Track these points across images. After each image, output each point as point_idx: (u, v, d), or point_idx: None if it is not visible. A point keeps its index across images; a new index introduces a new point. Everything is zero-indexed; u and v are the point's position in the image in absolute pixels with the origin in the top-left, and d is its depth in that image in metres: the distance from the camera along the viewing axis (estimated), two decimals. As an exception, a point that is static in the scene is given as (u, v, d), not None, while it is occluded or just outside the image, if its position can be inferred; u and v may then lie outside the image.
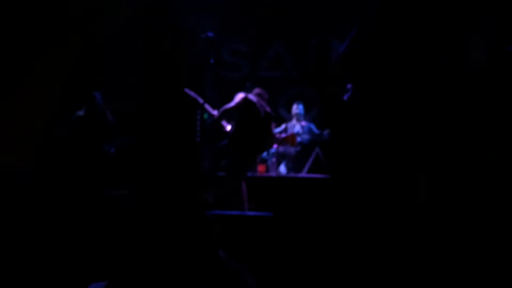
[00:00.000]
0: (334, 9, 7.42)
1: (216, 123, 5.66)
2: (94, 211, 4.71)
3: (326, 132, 6.73)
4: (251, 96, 5.16)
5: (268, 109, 5.24)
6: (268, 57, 7.88)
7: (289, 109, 7.17)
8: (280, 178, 5.78)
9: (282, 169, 6.39)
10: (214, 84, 6.95)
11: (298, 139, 6.57)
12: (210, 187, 5.71)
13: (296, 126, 6.78)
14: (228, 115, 5.24)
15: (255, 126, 5.16)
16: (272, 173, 6.02)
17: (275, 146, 6.16)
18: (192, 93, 5.34)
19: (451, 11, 2.68)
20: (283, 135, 6.30)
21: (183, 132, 6.53)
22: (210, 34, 4.94)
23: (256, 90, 5.36)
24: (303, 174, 6.06)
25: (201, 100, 5.24)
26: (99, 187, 5.22)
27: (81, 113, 5.63)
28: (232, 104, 5.04)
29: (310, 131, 6.83)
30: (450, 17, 2.64)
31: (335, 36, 7.63)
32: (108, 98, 5.92)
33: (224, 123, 5.51)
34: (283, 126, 6.78)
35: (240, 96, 5.16)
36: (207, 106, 5.35)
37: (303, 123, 6.89)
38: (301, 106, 6.87)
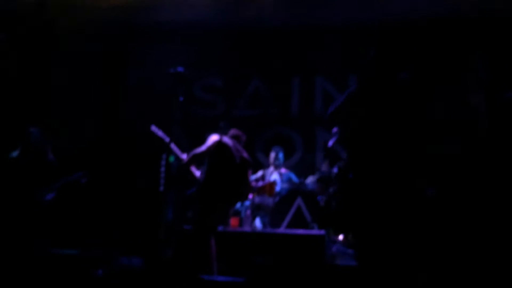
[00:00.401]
0: (317, 44, 7.30)
1: (184, 169, 5.20)
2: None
3: (308, 180, 6.31)
4: (226, 139, 4.73)
5: (245, 154, 4.80)
6: (245, 94, 7.69)
7: (267, 153, 6.94)
8: (256, 234, 5.45)
9: (258, 223, 6.01)
10: (183, 123, 6.57)
11: (277, 188, 6.23)
12: (171, 242, 5.37)
13: (274, 174, 6.50)
14: (198, 160, 4.79)
15: (229, 173, 4.74)
16: (247, 228, 5.68)
17: (250, 196, 5.73)
18: (158, 132, 4.87)
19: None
20: (260, 183, 5.87)
21: (143, 177, 6.15)
22: (179, 69, 4.70)
23: (232, 132, 4.95)
24: (282, 229, 5.82)
25: (168, 140, 4.77)
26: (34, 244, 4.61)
27: (15, 154, 5.03)
28: (203, 147, 4.62)
29: (289, 180, 6.43)
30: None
31: (319, 72, 7.52)
32: (56, 134, 5.46)
33: (193, 169, 5.05)
34: (259, 173, 6.39)
35: (213, 138, 4.72)
36: (175, 148, 4.87)
37: (282, 170, 6.61)
38: (281, 154, 6.63)
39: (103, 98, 7.18)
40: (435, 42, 6.66)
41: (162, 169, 5.64)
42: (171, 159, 5.64)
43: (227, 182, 4.72)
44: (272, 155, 6.60)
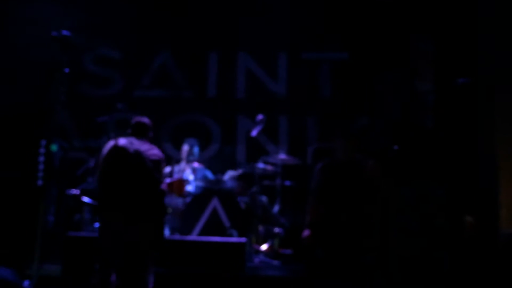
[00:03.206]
0: (242, 12, 7.42)
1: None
2: None
3: (227, 176, 6.44)
4: (122, 141, 4.68)
5: (143, 147, 4.71)
6: (151, 70, 7.63)
7: (176, 145, 6.98)
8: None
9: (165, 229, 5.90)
10: (69, 103, 6.43)
11: (188, 187, 6.25)
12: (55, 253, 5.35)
13: (186, 171, 6.50)
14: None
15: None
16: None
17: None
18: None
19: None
20: (167, 180, 5.87)
21: (17, 170, 5.95)
22: (65, 32, 4.62)
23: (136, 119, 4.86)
24: (194, 236, 5.86)
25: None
26: None
27: None
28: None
29: (204, 177, 6.46)
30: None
31: (241, 47, 7.66)
32: None
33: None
34: (167, 169, 6.37)
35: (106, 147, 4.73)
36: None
37: (195, 164, 6.58)
38: (196, 149, 6.66)
39: None
40: (381, 23, 7.08)
41: (41, 158, 5.56)
42: (53, 147, 5.55)
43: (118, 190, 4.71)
44: (185, 148, 6.60)
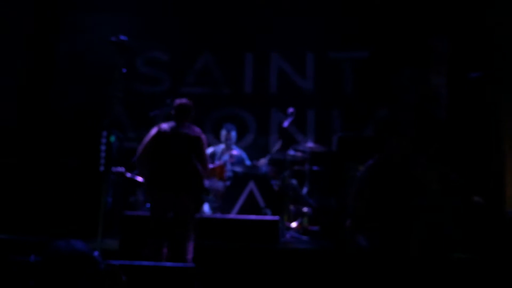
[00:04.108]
0: (273, 17, 7.44)
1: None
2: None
3: (261, 162, 6.48)
4: (164, 126, 4.75)
5: (184, 130, 4.72)
6: (194, 70, 7.74)
7: (217, 135, 7.01)
8: (204, 220, 5.42)
9: (207, 208, 6.07)
10: (125, 100, 6.59)
11: (228, 171, 6.31)
12: (114, 229, 5.54)
13: (225, 155, 6.55)
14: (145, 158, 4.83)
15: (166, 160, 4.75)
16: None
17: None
18: None
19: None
20: (210, 166, 5.94)
21: (81, 158, 6.11)
22: (122, 37, 4.63)
23: (177, 101, 4.89)
24: (233, 214, 5.93)
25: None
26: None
27: None
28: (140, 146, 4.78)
29: (241, 161, 6.54)
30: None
31: (274, 48, 7.67)
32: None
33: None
34: (209, 150, 6.38)
35: (150, 133, 4.80)
36: None
37: (234, 151, 6.66)
38: (233, 133, 6.70)
39: (26, 67, 7.00)
40: (400, 24, 7.04)
41: (103, 147, 5.69)
42: (112, 138, 5.69)
43: (163, 170, 4.74)
44: (223, 133, 6.62)
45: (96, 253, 2.18)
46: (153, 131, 4.74)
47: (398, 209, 4.24)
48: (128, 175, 6.07)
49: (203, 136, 4.77)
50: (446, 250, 4.67)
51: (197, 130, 4.74)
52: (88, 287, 2.11)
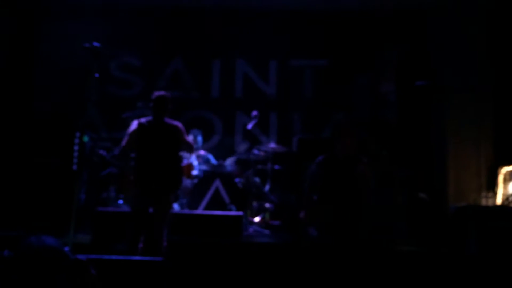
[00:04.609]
0: (239, 27, 7.54)
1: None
2: None
3: (227, 162, 6.55)
4: (143, 120, 4.71)
5: (162, 124, 4.67)
6: (165, 75, 7.77)
7: None
8: (173, 215, 5.36)
9: (175, 204, 6.04)
10: (99, 102, 6.57)
11: (195, 171, 6.41)
12: (86, 225, 5.45)
13: (192, 156, 6.56)
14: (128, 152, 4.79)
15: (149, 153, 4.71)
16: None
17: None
18: None
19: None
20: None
21: (56, 157, 6.03)
22: (95, 44, 4.53)
23: (156, 94, 4.82)
24: (200, 211, 5.97)
25: None
26: None
27: None
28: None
29: (207, 161, 6.67)
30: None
31: (239, 55, 7.75)
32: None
33: None
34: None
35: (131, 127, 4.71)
36: None
37: (201, 152, 6.82)
38: (199, 138, 6.82)
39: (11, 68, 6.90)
40: (354, 36, 7.23)
41: (76, 147, 5.66)
42: (85, 138, 5.67)
43: (147, 165, 4.67)
44: (191, 137, 6.61)
45: (66, 248, 2.19)
46: (134, 125, 4.64)
47: (342, 201, 4.43)
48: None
49: (180, 125, 4.74)
50: (390, 243, 4.87)
51: (177, 122, 4.70)
52: (59, 280, 2.12)
